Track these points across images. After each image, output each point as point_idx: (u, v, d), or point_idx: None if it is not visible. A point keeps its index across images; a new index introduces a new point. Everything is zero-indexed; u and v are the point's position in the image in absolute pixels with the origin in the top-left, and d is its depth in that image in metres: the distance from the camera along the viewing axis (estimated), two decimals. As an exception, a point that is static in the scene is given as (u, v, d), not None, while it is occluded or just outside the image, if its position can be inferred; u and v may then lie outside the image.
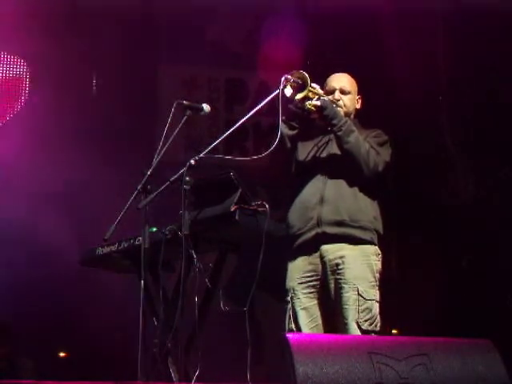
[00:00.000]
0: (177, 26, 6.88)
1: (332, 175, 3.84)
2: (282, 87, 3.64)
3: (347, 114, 3.98)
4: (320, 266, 3.78)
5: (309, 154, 3.99)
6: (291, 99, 3.70)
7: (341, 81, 4.03)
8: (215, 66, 7.40)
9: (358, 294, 3.66)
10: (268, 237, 3.49)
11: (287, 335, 2.74)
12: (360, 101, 4.09)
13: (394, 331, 6.34)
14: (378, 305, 3.73)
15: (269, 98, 3.66)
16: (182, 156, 5.71)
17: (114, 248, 3.98)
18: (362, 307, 3.65)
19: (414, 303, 6.18)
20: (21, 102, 6.87)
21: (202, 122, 7.00)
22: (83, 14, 6.98)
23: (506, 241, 5.82)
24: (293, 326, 3.79)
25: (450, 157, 6.59)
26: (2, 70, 6.84)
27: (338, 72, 4.09)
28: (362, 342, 2.92)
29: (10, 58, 6.89)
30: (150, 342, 3.69)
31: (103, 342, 6.01)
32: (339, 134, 3.77)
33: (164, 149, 3.51)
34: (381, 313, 3.74)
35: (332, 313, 3.78)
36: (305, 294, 3.79)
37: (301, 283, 3.80)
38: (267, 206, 3.56)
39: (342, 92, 4.00)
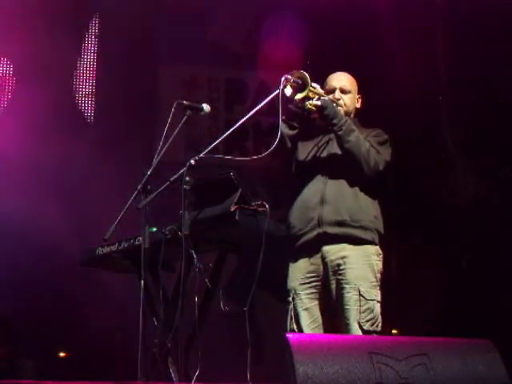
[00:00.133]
0: (177, 25, 6.87)
1: (332, 175, 3.84)
2: (281, 87, 3.64)
3: (347, 114, 3.97)
4: (321, 267, 3.78)
5: (309, 153, 3.99)
6: (291, 99, 3.70)
7: (341, 80, 4.03)
8: (215, 66, 7.40)
9: (360, 294, 3.66)
10: (268, 237, 3.48)
11: (287, 335, 2.74)
12: (360, 100, 4.08)
13: (394, 331, 6.34)
14: (379, 305, 3.73)
15: (269, 98, 3.66)
16: (181, 156, 5.72)
17: (113, 248, 3.98)
18: (364, 307, 3.65)
19: (413, 303, 6.18)
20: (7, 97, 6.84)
21: (202, 122, 7.00)
22: (83, 14, 7.00)
23: (506, 241, 5.82)
24: (294, 326, 3.79)
25: (449, 157, 6.59)
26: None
27: (338, 71, 4.10)
28: (362, 342, 2.92)
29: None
30: (150, 342, 3.69)
31: (103, 342, 6.01)
32: (339, 133, 3.77)
33: (164, 149, 3.51)
34: (381, 313, 3.74)
35: (333, 313, 3.78)
36: (306, 294, 3.79)
37: (302, 284, 3.80)
38: (267, 205, 3.56)
39: (342, 91, 3.99)
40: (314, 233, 3.77)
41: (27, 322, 6.05)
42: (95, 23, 7.18)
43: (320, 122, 3.90)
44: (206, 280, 3.63)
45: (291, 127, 3.85)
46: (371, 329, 3.65)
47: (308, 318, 3.77)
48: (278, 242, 3.66)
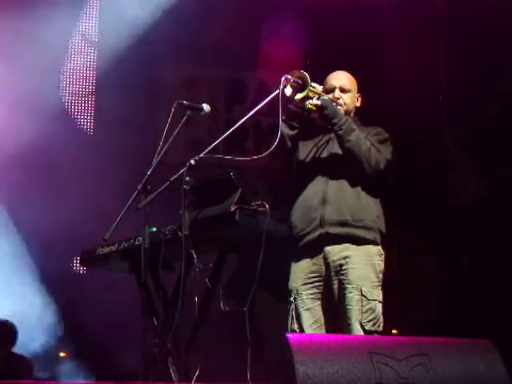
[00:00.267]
0: (177, 25, 6.87)
1: (333, 175, 3.84)
2: (281, 87, 3.64)
3: (347, 112, 3.97)
4: (323, 267, 3.78)
5: (309, 153, 3.98)
6: (291, 99, 3.70)
7: (340, 79, 4.02)
8: (215, 66, 7.40)
9: (362, 294, 3.65)
10: (268, 237, 3.49)
11: (287, 335, 2.74)
12: (360, 98, 4.08)
13: (394, 331, 6.34)
14: (381, 305, 3.72)
15: (269, 98, 3.66)
16: (181, 156, 5.71)
17: (113, 248, 3.98)
18: (366, 307, 3.65)
19: (414, 303, 6.18)
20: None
21: (202, 122, 7.00)
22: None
23: (506, 241, 5.82)
24: (295, 326, 3.79)
25: (449, 157, 6.59)
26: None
27: (338, 70, 4.09)
28: (362, 342, 2.92)
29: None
30: (150, 342, 3.69)
31: (103, 342, 6.01)
32: (340, 132, 3.77)
33: (164, 149, 3.51)
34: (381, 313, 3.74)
35: (335, 313, 3.78)
36: (308, 294, 3.78)
37: (304, 284, 3.79)
38: (267, 205, 3.56)
39: (342, 90, 3.99)
40: (316, 233, 3.77)
41: (27, 321, 6.05)
42: (95, 23, 7.19)
43: (320, 121, 3.89)
44: (206, 280, 3.63)
45: (291, 127, 3.84)
46: (373, 329, 3.64)
47: (310, 319, 3.77)
48: (277, 242, 3.66)
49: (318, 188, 3.84)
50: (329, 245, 3.75)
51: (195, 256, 3.40)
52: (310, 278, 3.79)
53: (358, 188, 3.82)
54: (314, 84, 3.78)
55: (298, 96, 3.70)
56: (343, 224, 3.74)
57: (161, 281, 3.90)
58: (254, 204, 3.56)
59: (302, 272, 3.81)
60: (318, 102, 3.76)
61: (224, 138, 3.65)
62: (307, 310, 3.77)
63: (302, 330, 3.75)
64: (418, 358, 2.77)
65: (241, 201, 3.53)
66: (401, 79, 6.34)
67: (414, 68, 6.33)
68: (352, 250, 3.74)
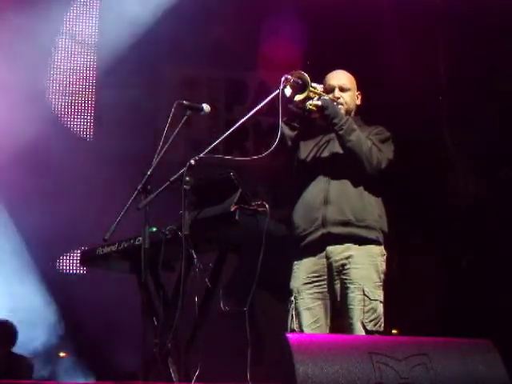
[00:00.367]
0: (177, 25, 6.87)
1: (335, 175, 3.84)
2: (281, 87, 3.65)
3: (348, 111, 3.97)
4: (325, 267, 3.78)
5: (310, 153, 3.99)
6: (291, 99, 3.70)
7: (339, 78, 4.02)
8: (215, 66, 7.40)
9: (364, 294, 3.65)
10: (268, 237, 3.48)
11: (287, 335, 2.74)
12: (360, 96, 4.08)
13: (394, 331, 6.34)
14: (382, 305, 3.73)
15: (269, 98, 3.66)
16: (181, 156, 5.71)
17: (114, 248, 3.98)
18: (367, 307, 3.65)
19: (414, 303, 6.18)
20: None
21: (202, 122, 7.00)
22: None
23: (506, 241, 5.82)
24: (295, 326, 3.79)
25: (449, 157, 6.59)
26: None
27: (337, 70, 4.10)
28: (362, 342, 2.92)
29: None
30: (150, 342, 3.69)
31: (103, 342, 6.01)
32: (340, 132, 3.77)
33: (164, 149, 3.51)
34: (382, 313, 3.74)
35: (337, 313, 3.78)
36: (309, 294, 3.78)
37: (306, 283, 3.79)
38: (267, 205, 3.56)
39: (342, 89, 3.99)
40: (319, 233, 3.77)
41: (27, 321, 6.06)
42: (95, 23, 7.19)
43: (321, 121, 3.89)
44: (206, 280, 3.63)
45: (292, 128, 3.85)
46: (374, 329, 3.64)
47: (310, 318, 3.77)
48: (278, 242, 3.66)
49: (319, 188, 3.84)
50: (331, 245, 3.75)
51: (195, 256, 3.40)
52: (311, 277, 3.79)
53: (360, 187, 3.82)
54: (314, 84, 3.78)
55: (299, 97, 3.70)
56: (345, 224, 3.74)
57: (161, 281, 3.90)
58: (253, 204, 3.56)
59: (303, 272, 3.81)
60: (319, 103, 3.76)
61: (224, 138, 3.65)
62: (307, 309, 3.77)
63: (301, 330, 3.75)
64: (418, 357, 2.77)
65: (241, 201, 3.52)
66: (401, 79, 6.34)
67: (413, 68, 6.33)
68: (354, 249, 3.74)
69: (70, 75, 7.05)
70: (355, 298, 3.66)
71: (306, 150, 3.99)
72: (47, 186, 6.38)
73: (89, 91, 7.07)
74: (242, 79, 7.53)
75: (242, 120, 3.71)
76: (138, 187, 3.43)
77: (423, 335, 3.02)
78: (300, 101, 3.72)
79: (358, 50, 6.49)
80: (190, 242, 3.37)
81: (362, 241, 3.75)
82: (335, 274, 3.75)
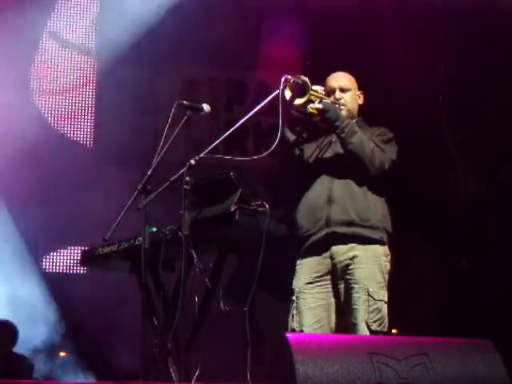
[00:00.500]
0: (178, 25, 6.87)
1: (339, 175, 3.84)
2: (282, 87, 3.65)
3: (350, 111, 3.98)
4: (330, 267, 3.78)
5: (313, 154, 3.99)
6: (291, 101, 3.71)
7: (340, 80, 4.03)
8: (215, 66, 7.40)
9: (368, 294, 3.65)
10: (268, 237, 3.48)
11: (287, 335, 2.74)
12: (362, 96, 4.09)
13: (394, 331, 6.34)
14: (386, 305, 3.73)
15: (269, 99, 3.67)
16: (182, 156, 5.71)
17: (114, 248, 3.98)
18: (372, 308, 3.65)
19: (414, 303, 6.18)
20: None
21: (202, 122, 7.00)
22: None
23: (506, 241, 5.82)
24: (295, 325, 3.78)
25: (450, 157, 6.59)
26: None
27: (337, 72, 4.10)
28: (362, 342, 2.92)
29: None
30: (150, 342, 3.69)
31: (103, 342, 6.01)
32: (342, 135, 3.77)
33: (164, 149, 3.51)
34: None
35: (342, 313, 3.78)
36: (311, 294, 3.78)
37: (308, 283, 3.79)
38: (267, 205, 3.56)
39: (342, 90, 3.99)
40: (323, 233, 3.77)
41: (27, 321, 6.06)
42: (95, 22, 7.19)
43: (322, 124, 3.90)
44: (206, 280, 3.63)
45: (295, 133, 3.86)
46: (379, 329, 3.64)
47: (311, 318, 3.76)
48: (278, 242, 3.66)
49: (323, 188, 3.84)
50: (335, 244, 3.75)
51: (195, 256, 3.40)
52: (314, 277, 3.79)
53: (364, 187, 3.82)
54: (315, 87, 3.78)
55: (300, 100, 3.70)
56: (350, 224, 3.74)
57: (161, 281, 3.90)
58: (253, 204, 3.56)
59: (306, 272, 3.81)
60: (320, 106, 3.77)
61: (224, 138, 3.65)
62: (309, 309, 3.77)
63: (302, 330, 3.74)
64: (418, 357, 2.77)
65: (241, 201, 3.52)
66: (401, 79, 6.34)
67: (413, 68, 6.33)
68: (359, 250, 3.74)
69: (69, 75, 7.04)
70: (360, 298, 3.66)
71: (309, 151, 4.00)
72: (48, 186, 6.39)
73: (89, 91, 7.06)
74: (243, 79, 7.53)
75: (242, 120, 3.71)
76: (138, 187, 3.43)
77: (423, 335, 3.02)
78: (301, 104, 3.73)
79: (358, 50, 6.49)
80: (190, 242, 3.37)
81: (366, 241, 3.75)
82: (339, 274, 3.75)
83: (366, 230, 3.75)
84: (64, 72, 6.95)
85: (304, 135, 3.89)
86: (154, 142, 5.30)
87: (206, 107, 3.70)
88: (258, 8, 7.01)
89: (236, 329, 3.52)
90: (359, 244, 3.74)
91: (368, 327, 3.61)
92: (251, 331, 3.42)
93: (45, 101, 6.85)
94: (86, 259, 4.41)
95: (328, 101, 3.83)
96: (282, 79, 3.65)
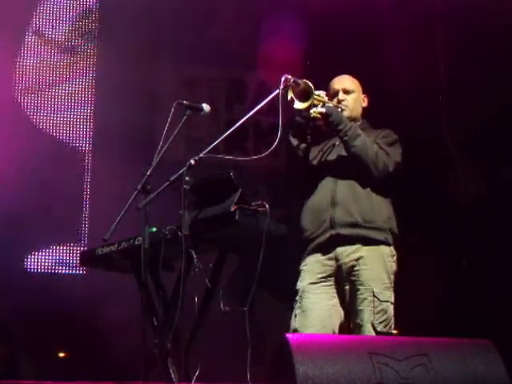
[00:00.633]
0: (177, 25, 6.87)
1: (342, 177, 3.85)
2: (281, 87, 3.65)
3: (353, 113, 3.99)
4: (334, 269, 3.78)
5: (317, 157, 4.01)
6: (292, 102, 3.72)
7: (342, 82, 4.05)
8: (215, 65, 7.39)
9: (374, 295, 3.66)
10: (268, 237, 3.49)
11: (287, 335, 2.75)
12: (366, 99, 4.09)
13: (394, 331, 6.33)
14: (392, 306, 3.73)
15: (269, 98, 3.67)
16: (181, 156, 5.71)
17: (113, 248, 3.98)
18: (377, 309, 3.65)
19: (414, 303, 6.17)
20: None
21: (202, 121, 6.99)
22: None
23: (506, 241, 5.81)
24: (297, 325, 3.78)
25: (450, 157, 6.58)
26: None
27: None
28: (362, 342, 2.92)
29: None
30: (150, 342, 3.69)
31: (103, 342, 6.01)
32: (345, 138, 3.79)
33: (164, 149, 3.51)
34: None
35: (347, 315, 3.78)
36: (316, 294, 3.78)
37: (313, 283, 3.79)
38: (267, 205, 3.56)
39: (346, 92, 4.01)
40: (327, 235, 3.78)
41: (27, 321, 6.05)
42: (95, 23, 7.18)
43: (325, 128, 3.91)
44: (206, 280, 3.63)
45: (300, 138, 3.88)
46: (384, 330, 3.65)
47: (314, 318, 3.76)
48: (277, 242, 3.66)
49: (327, 190, 3.85)
50: (340, 246, 3.76)
51: (195, 256, 3.40)
52: (318, 278, 3.79)
53: (368, 189, 3.83)
54: (317, 92, 3.79)
55: (303, 105, 3.71)
56: (354, 225, 3.75)
57: (161, 281, 3.89)
58: (254, 204, 3.56)
59: (311, 273, 3.82)
60: (323, 110, 3.78)
61: (224, 138, 3.65)
62: (313, 309, 3.77)
63: (304, 330, 3.74)
64: (418, 358, 2.77)
65: (241, 201, 3.52)
66: (401, 79, 6.34)
67: (414, 68, 6.32)
68: (364, 251, 3.74)
69: (69, 74, 7.03)
70: (365, 299, 3.67)
71: (313, 154, 4.03)
72: (47, 184, 6.39)
73: (89, 91, 7.05)
74: (242, 79, 7.53)
75: (242, 120, 3.72)
76: (138, 187, 3.43)
77: (423, 335, 3.02)
78: (304, 109, 3.74)
79: (358, 50, 6.49)
80: (190, 242, 3.37)
81: (370, 242, 3.76)
82: (345, 275, 3.75)
83: (370, 232, 3.75)
84: (49, 70, 6.92)
85: (308, 140, 3.91)
86: (154, 142, 5.30)
87: (206, 107, 3.70)
88: (257, 8, 7.00)
89: (236, 329, 3.52)
90: (364, 245, 3.74)
91: (374, 328, 3.62)
92: (251, 331, 3.42)
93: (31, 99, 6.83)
94: (85, 259, 4.41)
95: (331, 104, 3.85)
96: (282, 79, 3.66)
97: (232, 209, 3.48)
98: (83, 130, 6.90)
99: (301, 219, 3.92)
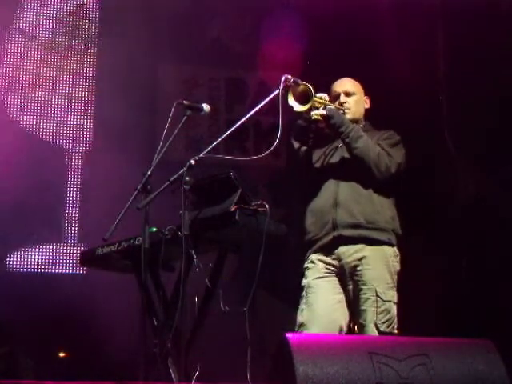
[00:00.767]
0: (177, 25, 6.87)
1: (345, 178, 3.86)
2: (282, 87, 3.66)
3: (356, 115, 3.99)
4: (338, 268, 3.79)
5: (319, 160, 4.02)
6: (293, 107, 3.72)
7: (343, 84, 4.06)
8: (215, 65, 7.39)
9: (377, 295, 3.66)
10: (268, 237, 3.49)
11: (287, 335, 2.75)
12: (368, 101, 4.10)
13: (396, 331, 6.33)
14: (395, 306, 3.73)
15: (269, 98, 3.67)
16: (182, 156, 5.71)
17: (113, 248, 3.98)
18: (381, 309, 3.66)
19: (414, 303, 6.17)
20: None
21: (202, 121, 7.00)
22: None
23: (506, 241, 5.81)
24: (304, 319, 3.79)
25: (450, 157, 6.58)
26: None
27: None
28: (362, 342, 2.92)
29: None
30: (150, 342, 3.69)
31: (103, 342, 6.01)
32: (347, 140, 3.80)
33: (164, 149, 3.51)
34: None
35: (351, 315, 3.79)
36: (322, 286, 3.81)
37: (317, 278, 3.81)
38: (267, 205, 3.56)
39: (347, 94, 4.02)
40: (330, 236, 3.80)
41: (27, 321, 6.05)
42: (95, 23, 7.18)
43: (327, 130, 3.92)
44: (206, 280, 3.63)
45: (303, 142, 3.89)
46: (387, 330, 3.65)
47: (322, 310, 3.77)
48: (278, 242, 3.67)
49: (329, 192, 3.86)
50: (342, 246, 3.76)
51: (195, 256, 3.40)
52: (323, 273, 3.80)
53: (371, 190, 3.84)
54: (319, 94, 3.80)
55: (303, 108, 3.72)
56: (356, 226, 3.76)
57: (161, 281, 3.89)
58: (253, 204, 3.56)
59: (315, 269, 3.84)
60: (324, 112, 3.79)
61: (224, 138, 3.66)
62: (318, 303, 3.78)
63: (311, 323, 3.73)
64: (418, 358, 2.77)
65: (241, 201, 3.52)
66: (401, 79, 6.33)
67: (414, 68, 6.32)
68: (367, 251, 3.75)
69: (69, 74, 7.03)
70: (368, 299, 3.68)
71: (316, 156, 4.03)
72: (48, 183, 6.39)
73: (88, 91, 7.05)
74: (242, 79, 7.53)
75: (242, 120, 3.72)
76: (138, 187, 3.43)
77: (423, 335, 3.02)
78: (305, 112, 3.74)
79: (358, 50, 6.49)
80: (190, 242, 3.37)
81: (373, 242, 3.76)
82: (348, 275, 3.76)
83: (372, 232, 3.76)
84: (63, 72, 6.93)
85: (310, 143, 3.92)
86: (153, 142, 5.30)
87: (206, 107, 3.70)
88: (257, 8, 7.00)
89: (236, 329, 3.52)
90: (367, 245, 3.75)
91: (377, 328, 3.62)
92: (251, 331, 3.42)
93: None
94: (85, 259, 4.41)
95: (332, 107, 3.85)
96: (282, 79, 3.66)
97: (232, 209, 3.48)
98: (83, 130, 6.90)
99: (304, 221, 3.94)
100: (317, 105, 3.79)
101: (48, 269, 6.53)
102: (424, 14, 6.60)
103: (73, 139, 6.84)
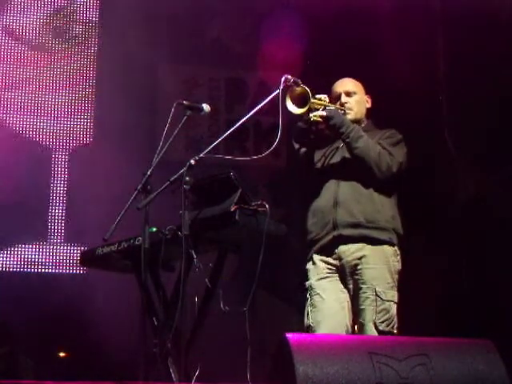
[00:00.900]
0: (177, 25, 6.87)
1: (345, 177, 3.86)
2: (281, 87, 3.66)
3: (357, 115, 4.00)
4: (338, 267, 3.79)
5: (320, 160, 4.02)
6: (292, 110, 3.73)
7: (344, 84, 4.06)
8: (215, 65, 7.39)
9: (376, 294, 3.67)
10: (268, 237, 3.49)
11: (287, 335, 2.75)
12: (370, 100, 4.10)
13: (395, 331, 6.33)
14: (395, 306, 3.73)
15: (269, 98, 3.67)
16: (182, 156, 5.71)
17: (113, 248, 3.98)
18: (380, 308, 3.66)
19: (414, 303, 6.17)
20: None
21: (202, 121, 7.00)
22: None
23: (506, 241, 5.81)
24: (310, 322, 3.79)
25: (450, 157, 6.58)
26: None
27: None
28: (362, 342, 2.92)
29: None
30: (150, 342, 3.69)
31: (103, 342, 6.01)
32: (347, 140, 3.80)
33: (164, 149, 3.51)
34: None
35: (352, 314, 3.79)
36: (324, 289, 3.81)
37: (320, 279, 3.81)
38: (267, 205, 3.56)
39: (348, 94, 4.02)
40: (330, 236, 3.80)
41: (27, 321, 6.05)
42: (95, 23, 7.18)
43: (328, 131, 3.92)
44: (206, 280, 3.63)
45: (303, 144, 3.89)
46: (387, 330, 3.65)
47: (327, 311, 3.77)
48: (278, 242, 3.67)
49: (330, 192, 3.87)
50: (343, 245, 3.77)
51: (195, 256, 3.40)
52: (325, 273, 3.81)
53: (371, 189, 3.84)
54: (319, 95, 3.80)
55: (301, 111, 3.72)
56: (356, 226, 3.76)
57: (161, 281, 3.90)
58: (254, 204, 3.56)
59: (316, 270, 3.84)
60: (324, 113, 3.79)
61: (224, 138, 3.66)
62: (323, 304, 3.78)
63: (317, 325, 3.74)
64: (418, 358, 2.77)
65: (241, 201, 3.52)
66: (401, 79, 6.33)
67: (414, 68, 6.32)
68: (367, 250, 3.76)
69: (69, 74, 7.03)
70: (367, 298, 3.68)
71: (317, 157, 4.04)
72: (47, 182, 6.40)
73: (88, 91, 7.05)
74: (242, 79, 7.53)
75: (242, 120, 3.72)
76: (138, 187, 3.43)
77: (423, 335, 3.02)
78: (304, 114, 3.75)
79: (358, 50, 6.49)
80: (190, 242, 3.37)
81: (374, 241, 3.76)
82: (348, 274, 3.76)
83: (373, 232, 3.76)
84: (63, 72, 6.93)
85: (311, 144, 3.92)
86: (154, 142, 5.31)
87: (206, 107, 3.70)
88: (257, 8, 7.00)
89: (236, 329, 3.52)
90: (367, 244, 3.75)
91: (376, 327, 3.63)
92: (251, 331, 3.42)
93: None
94: (85, 259, 4.41)
95: (332, 107, 3.85)
96: (282, 79, 3.67)
97: (232, 209, 3.48)
98: (83, 130, 6.90)
99: (306, 221, 3.94)
100: (316, 106, 3.79)
101: (48, 269, 6.52)
102: (424, 13, 6.61)
103: (73, 139, 6.84)
